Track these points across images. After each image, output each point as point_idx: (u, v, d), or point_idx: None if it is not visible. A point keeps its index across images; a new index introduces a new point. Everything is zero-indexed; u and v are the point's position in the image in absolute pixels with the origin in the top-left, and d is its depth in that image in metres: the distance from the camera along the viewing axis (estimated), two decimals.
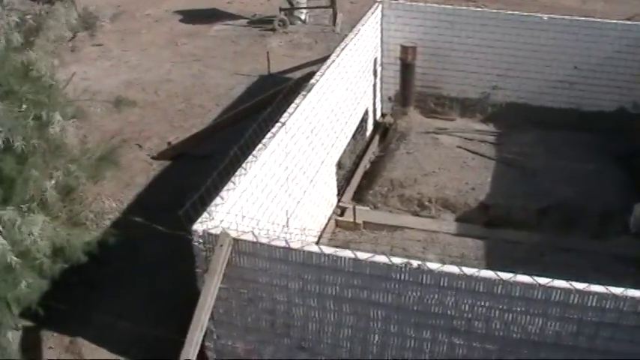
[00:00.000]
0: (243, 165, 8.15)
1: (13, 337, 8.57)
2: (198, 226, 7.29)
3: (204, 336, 7.68)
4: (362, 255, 6.90)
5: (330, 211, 11.70)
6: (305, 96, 9.89)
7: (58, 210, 9.18)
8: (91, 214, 10.56)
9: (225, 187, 7.85)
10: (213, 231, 7.23)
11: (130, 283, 9.99)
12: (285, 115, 9.30)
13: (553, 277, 6.71)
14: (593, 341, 6.88)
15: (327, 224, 11.41)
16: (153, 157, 13.57)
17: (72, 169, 8.82)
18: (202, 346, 7.79)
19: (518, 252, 10.73)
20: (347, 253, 6.91)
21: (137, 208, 11.68)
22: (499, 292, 6.71)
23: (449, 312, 6.95)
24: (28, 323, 8.94)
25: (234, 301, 7.62)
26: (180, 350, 6.85)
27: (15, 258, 7.34)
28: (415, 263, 6.76)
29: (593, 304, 6.65)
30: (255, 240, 7.15)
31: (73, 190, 9.42)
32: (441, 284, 6.77)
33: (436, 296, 6.87)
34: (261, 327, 7.69)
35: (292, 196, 9.59)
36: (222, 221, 7.42)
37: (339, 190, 12.13)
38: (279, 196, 9.13)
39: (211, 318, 7.62)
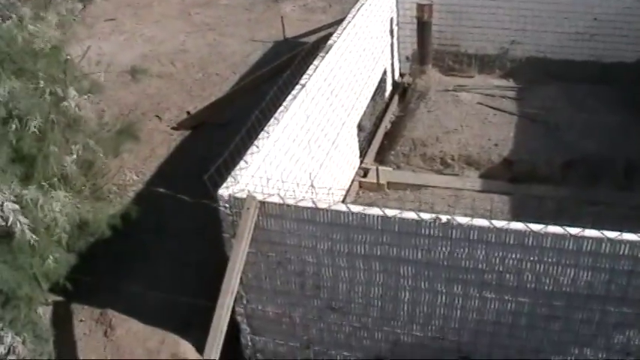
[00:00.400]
0: (266, 128, 8.10)
1: (44, 312, 8.65)
2: (224, 191, 7.26)
3: (234, 301, 7.74)
4: (390, 212, 6.84)
5: (353, 173, 11.66)
6: (323, 57, 9.80)
7: (81, 185, 9.22)
8: (114, 187, 10.61)
9: (249, 151, 7.81)
10: (238, 195, 7.19)
11: (157, 254, 10.01)
12: (305, 77, 9.22)
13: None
14: (625, 290, 6.81)
15: (350, 186, 11.37)
16: (173, 128, 13.54)
17: (91, 144, 8.80)
18: (232, 311, 7.83)
19: (544, 206, 10.63)
20: (375, 211, 6.86)
21: (159, 179, 11.68)
22: (530, 243, 6.65)
23: (479, 266, 6.90)
24: (58, 298, 9.00)
25: (262, 265, 7.60)
26: (212, 316, 6.86)
27: (34, 237, 7.34)
28: (444, 218, 6.70)
29: (626, 252, 6.57)
30: (281, 202, 7.11)
31: (94, 165, 9.42)
32: (471, 238, 6.72)
33: (466, 250, 6.81)
34: (291, 289, 7.68)
35: (315, 158, 9.54)
36: (247, 185, 7.39)
37: (360, 152, 12.07)
38: (302, 159, 9.09)
39: (240, 283, 7.64)
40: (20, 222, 7.21)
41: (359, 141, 11.96)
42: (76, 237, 8.84)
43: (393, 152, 12.09)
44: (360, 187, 11.51)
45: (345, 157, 11.13)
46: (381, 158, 12.23)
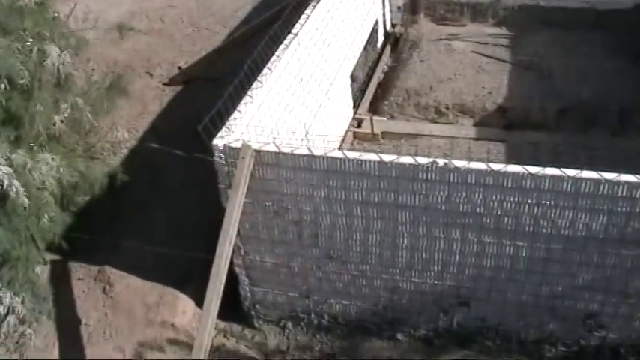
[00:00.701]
0: (259, 78, 8.00)
1: (42, 272, 8.63)
2: (218, 141, 7.19)
3: (232, 252, 7.71)
4: (387, 157, 6.80)
5: (347, 124, 11.59)
6: (315, 7, 9.67)
7: (74, 143, 9.13)
8: (107, 144, 10.55)
9: (243, 101, 7.72)
10: (233, 144, 7.12)
11: (153, 209, 9.95)
12: (297, 26, 9.10)
13: None
14: (623, 232, 6.81)
15: (344, 137, 11.30)
16: (164, 84, 13.40)
17: (80, 102, 8.69)
18: (230, 262, 7.81)
19: (539, 152, 10.63)
20: (372, 157, 6.81)
21: (153, 135, 11.56)
22: (528, 186, 6.62)
23: (477, 210, 6.88)
24: (56, 257, 8.95)
25: (259, 215, 7.56)
26: (210, 268, 6.84)
27: (27, 200, 7.30)
28: (441, 162, 6.65)
29: (624, 193, 6.56)
30: (277, 150, 7.05)
31: (85, 123, 9.32)
32: (469, 181, 6.69)
33: (464, 194, 6.79)
34: (289, 239, 7.65)
35: (309, 108, 9.46)
36: (242, 134, 7.31)
37: (354, 103, 11.97)
38: (296, 109, 9.00)
39: (238, 234, 7.60)
40: (15, 185, 7.15)
41: (352, 91, 11.86)
42: (71, 196, 8.77)
43: (386, 102, 12.02)
44: (355, 137, 11.46)
45: (339, 107, 11.04)
46: (374, 108, 12.15)
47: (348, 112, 11.66)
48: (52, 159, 7.86)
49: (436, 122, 11.65)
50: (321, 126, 9.99)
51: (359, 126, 11.63)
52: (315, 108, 9.75)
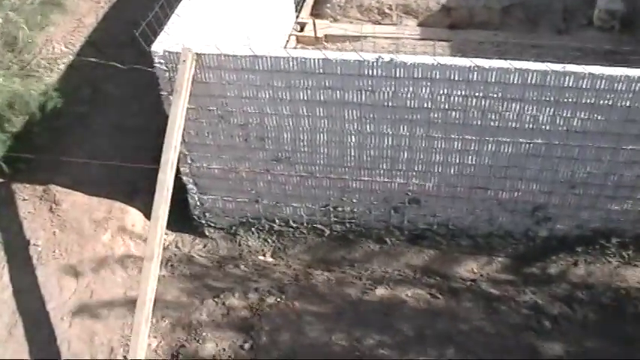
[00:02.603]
0: None
1: None
2: (157, 46, 6.94)
3: (179, 161, 7.56)
4: (331, 54, 6.65)
5: (290, 28, 11.34)
6: None
7: (8, 61, 8.79)
8: (43, 61, 10.19)
9: (181, 4, 7.48)
10: (173, 49, 6.88)
11: (95, 124, 9.69)
12: None
13: None
14: (570, 123, 6.84)
15: (287, 41, 11.08)
16: None
17: (12, 16, 8.33)
18: (177, 171, 7.68)
19: (484, 51, 10.60)
20: (316, 54, 6.66)
21: (90, 48, 11.19)
22: (475, 78, 6.56)
23: (425, 105, 6.81)
24: None
25: (204, 121, 7.39)
26: (156, 176, 6.71)
27: None
28: (387, 57, 6.53)
29: (570, 84, 6.55)
30: (219, 52, 6.84)
31: (21, 39, 8.98)
32: (415, 76, 6.59)
33: (411, 89, 6.70)
34: (235, 143, 7.52)
35: (249, 11, 9.18)
36: (182, 38, 7.07)
37: (296, 7, 11.70)
38: (237, 12, 8.73)
39: (183, 141, 7.47)
40: None
41: None
42: (8, 116, 8.48)
43: (329, 5, 11.80)
44: (298, 41, 11.25)
45: (280, 10, 10.78)
46: (317, 12, 11.89)
47: (290, 16, 11.40)
48: None
49: (380, 23, 11.50)
50: (263, 30, 9.75)
51: (301, 30, 11.41)
52: (257, 10, 9.48)
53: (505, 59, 6.65)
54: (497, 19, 11.54)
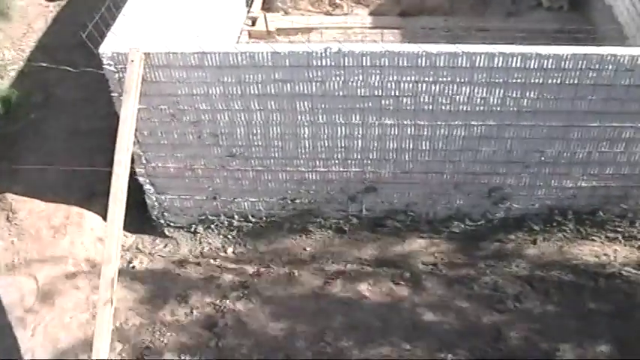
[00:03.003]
0: None
1: None
2: (105, 48, 6.87)
3: (134, 162, 7.52)
4: (280, 47, 6.64)
5: (241, 23, 11.30)
6: None
7: None
8: None
9: (128, 4, 7.43)
10: (121, 49, 6.83)
11: (50, 129, 9.56)
12: None
13: None
14: (520, 103, 6.91)
15: (239, 37, 11.04)
16: (47, 0, 12.76)
17: None
18: (133, 172, 7.62)
19: (435, 37, 10.64)
20: (264, 47, 6.64)
21: (41, 53, 11.06)
22: (424, 64, 6.60)
23: (375, 92, 6.83)
24: None
25: (156, 120, 7.34)
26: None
27: None
28: (335, 47, 6.54)
29: (518, 64, 6.62)
30: (167, 50, 6.79)
31: None
32: (364, 64, 6.61)
33: (360, 78, 6.72)
34: (189, 141, 7.47)
35: (199, 8, 9.13)
36: (129, 39, 7.01)
37: (247, 1, 11.66)
38: (186, 9, 8.68)
39: (137, 142, 7.44)
40: None
41: None
42: None
43: None
44: (250, 36, 11.21)
45: (231, 5, 10.74)
46: (268, 6, 11.87)
47: (241, 10, 11.37)
48: None
49: (331, 14, 11.50)
50: (214, 26, 9.70)
51: (253, 24, 11.37)
52: (206, 6, 9.43)
53: (456, 44, 6.69)
54: (448, 4, 11.60)
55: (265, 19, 11.13)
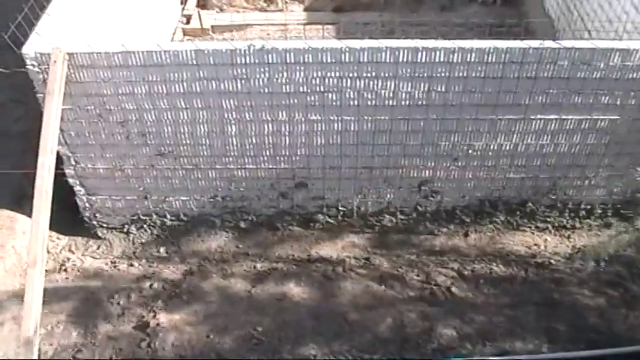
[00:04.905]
0: None
1: None
2: (28, 48, 6.78)
3: (63, 164, 7.45)
4: (203, 45, 6.63)
5: (176, 21, 11.23)
6: None
7: None
8: None
9: (52, 3, 7.32)
10: (44, 50, 6.74)
11: None
12: None
13: None
14: (445, 97, 6.98)
15: (173, 35, 10.97)
16: None
17: None
18: (62, 174, 7.55)
19: (370, 32, 10.71)
20: (188, 46, 6.61)
21: None
22: (347, 59, 6.63)
23: (301, 89, 6.84)
24: None
25: (83, 121, 7.26)
26: None
27: None
28: (258, 44, 6.54)
29: (441, 59, 6.68)
30: (90, 50, 6.72)
31: None
32: (288, 61, 6.62)
33: (285, 75, 6.73)
34: (117, 141, 7.41)
35: (132, 5, 9.05)
36: (53, 39, 6.92)
37: None
38: (117, 7, 8.60)
39: (65, 143, 7.36)
40: None
41: None
42: None
43: None
44: (184, 34, 11.16)
45: (165, 3, 10.66)
46: (203, 3, 11.83)
47: (176, 9, 11.29)
48: None
49: (266, 11, 11.50)
50: (145, 24, 9.62)
51: (188, 22, 11.33)
52: (138, 6, 9.35)
53: (390, 39, 6.73)
54: None
55: (200, 17, 11.07)
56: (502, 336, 7.25)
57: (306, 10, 11.49)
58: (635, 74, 6.84)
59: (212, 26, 11.14)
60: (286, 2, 11.52)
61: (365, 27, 10.99)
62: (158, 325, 7.32)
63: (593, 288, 7.79)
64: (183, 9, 11.56)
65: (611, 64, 6.75)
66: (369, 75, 6.76)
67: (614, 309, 7.50)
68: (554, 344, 7.15)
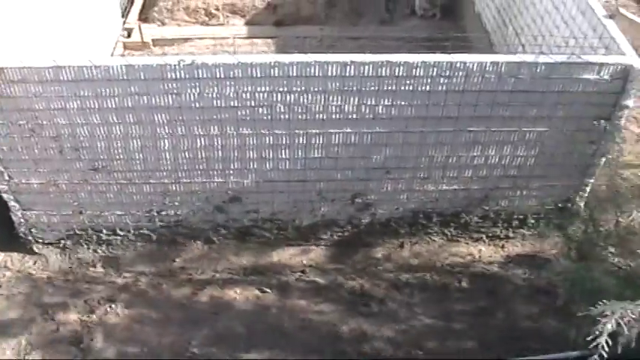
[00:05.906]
0: None
1: None
2: None
3: None
4: (134, 60, 6.66)
5: (117, 35, 11.22)
6: None
7: None
8: None
9: None
10: None
11: None
12: None
13: None
14: (375, 110, 7.09)
15: (114, 48, 10.96)
16: None
17: None
18: None
19: (309, 46, 10.83)
20: (119, 61, 6.64)
21: None
22: (276, 74, 6.71)
23: (231, 103, 6.90)
24: None
25: (16, 136, 7.22)
26: None
27: None
28: (188, 59, 6.60)
29: (370, 73, 6.79)
30: (21, 65, 6.71)
31: None
32: (218, 76, 6.68)
33: (215, 89, 6.78)
34: (50, 156, 7.38)
35: (72, 18, 9.02)
36: None
37: (123, 12, 11.59)
38: (51, 21, 8.57)
39: None
40: None
41: (119, 1, 11.47)
42: None
43: (156, 9, 11.80)
44: (125, 48, 11.16)
45: (105, 17, 10.65)
46: (145, 16, 11.85)
47: (116, 22, 11.29)
48: None
49: (207, 24, 11.56)
50: (86, 38, 9.61)
51: (129, 36, 11.32)
52: (78, 19, 9.33)
53: (330, 53, 6.81)
54: (323, 14, 11.80)
55: (140, 30, 11.08)
56: (436, 346, 7.37)
57: (247, 24, 11.57)
58: (561, 87, 7.01)
59: (153, 40, 11.15)
60: (227, 16, 11.58)
61: (304, 41, 11.09)
62: (92, 339, 7.32)
63: (526, 296, 7.94)
64: (124, 22, 11.55)
65: (537, 77, 6.92)
66: (298, 89, 6.85)
67: (546, 317, 7.66)
68: (488, 351, 7.28)
